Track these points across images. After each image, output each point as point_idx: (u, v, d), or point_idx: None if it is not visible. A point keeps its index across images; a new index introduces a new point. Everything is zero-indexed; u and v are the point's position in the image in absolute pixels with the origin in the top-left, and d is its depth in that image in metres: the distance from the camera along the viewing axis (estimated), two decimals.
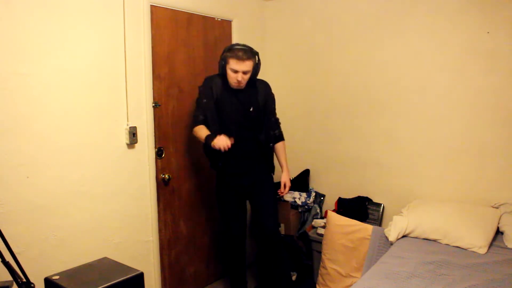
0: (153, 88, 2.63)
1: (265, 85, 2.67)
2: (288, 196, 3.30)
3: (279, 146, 2.74)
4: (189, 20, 2.87)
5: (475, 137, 2.64)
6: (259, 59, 2.51)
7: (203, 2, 2.94)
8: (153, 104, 2.64)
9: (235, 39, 3.21)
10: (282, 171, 2.74)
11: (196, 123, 2.56)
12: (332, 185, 3.33)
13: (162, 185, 2.75)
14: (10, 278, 1.52)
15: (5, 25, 1.94)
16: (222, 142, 2.34)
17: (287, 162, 2.76)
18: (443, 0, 2.68)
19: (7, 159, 1.98)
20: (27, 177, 2.06)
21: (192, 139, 2.90)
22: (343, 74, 3.20)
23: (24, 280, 1.55)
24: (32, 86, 2.06)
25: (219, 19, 3.10)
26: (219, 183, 2.72)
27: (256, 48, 3.19)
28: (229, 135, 2.43)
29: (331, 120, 3.29)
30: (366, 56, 3.05)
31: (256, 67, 2.50)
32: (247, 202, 2.80)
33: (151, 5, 2.58)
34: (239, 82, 2.44)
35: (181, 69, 2.83)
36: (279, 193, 2.73)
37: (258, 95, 2.59)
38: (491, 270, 1.98)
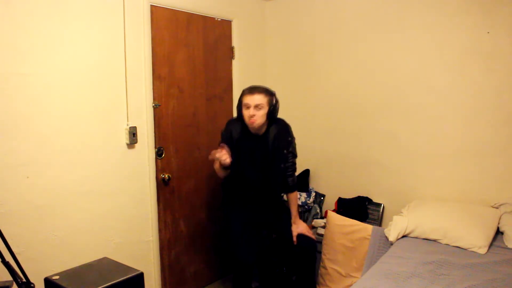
0: (153, 88, 2.64)
1: (279, 127, 2.54)
2: None
3: (291, 197, 2.65)
4: (189, 20, 2.87)
5: (475, 137, 2.64)
6: (276, 100, 2.47)
7: (203, 2, 2.94)
8: (153, 104, 2.64)
9: (235, 39, 3.21)
10: (292, 222, 2.61)
11: None
12: (332, 185, 3.33)
13: (162, 185, 2.75)
14: (10, 278, 1.52)
15: (5, 25, 1.95)
16: (219, 153, 2.33)
17: (298, 214, 2.66)
18: (443, 0, 2.68)
19: (7, 159, 1.99)
20: (27, 177, 2.06)
21: (192, 139, 2.90)
22: (343, 74, 3.20)
23: (24, 280, 1.55)
24: (32, 86, 2.06)
25: (219, 19, 3.10)
26: (228, 201, 2.69)
27: (256, 48, 3.19)
28: (244, 179, 2.52)
29: (331, 120, 3.29)
30: (366, 56, 3.05)
31: (273, 106, 2.44)
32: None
33: (151, 5, 2.58)
34: (251, 117, 2.37)
35: (181, 69, 2.83)
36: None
37: (269, 138, 2.51)
38: (491, 270, 1.97)
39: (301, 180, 3.40)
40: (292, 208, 2.63)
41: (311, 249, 2.54)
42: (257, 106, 2.36)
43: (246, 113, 2.40)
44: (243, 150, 2.51)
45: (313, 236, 2.60)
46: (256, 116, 2.37)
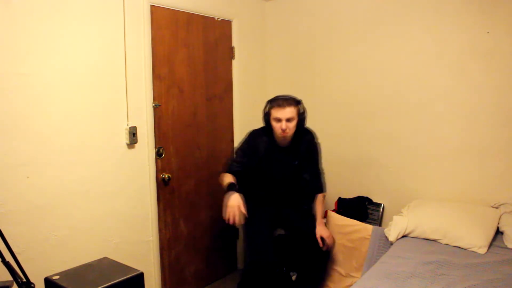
0: (153, 88, 2.64)
1: (309, 136, 2.61)
2: None
3: (317, 199, 2.67)
4: (189, 20, 2.87)
5: (475, 137, 2.64)
6: (304, 108, 2.50)
7: (203, 2, 2.94)
8: (153, 104, 2.64)
9: (235, 39, 3.21)
10: (316, 224, 2.58)
11: (228, 171, 2.54)
12: (332, 185, 3.32)
13: (162, 185, 2.75)
14: (10, 278, 1.52)
15: (5, 25, 1.94)
16: (234, 211, 2.27)
17: (322, 216, 2.63)
18: (443, 0, 2.68)
19: (7, 159, 1.99)
20: (27, 177, 2.06)
21: (192, 139, 2.90)
22: (343, 74, 3.20)
23: (24, 280, 1.55)
24: (32, 86, 2.06)
25: (219, 19, 3.10)
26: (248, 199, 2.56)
27: (256, 48, 3.19)
28: (267, 192, 2.52)
29: (331, 120, 3.29)
30: (366, 56, 3.05)
31: (302, 116, 2.48)
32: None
33: (151, 5, 2.58)
34: (283, 131, 2.40)
35: (181, 69, 2.83)
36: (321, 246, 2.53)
37: (300, 146, 2.56)
38: (491, 270, 1.97)
39: None
40: (318, 209, 2.64)
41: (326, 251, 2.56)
42: (288, 120, 2.39)
43: (277, 126, 2.42)
44: (271, 163, 2.54)
45: (332, 244, 2.55)
46: (288, 129, 2.40)
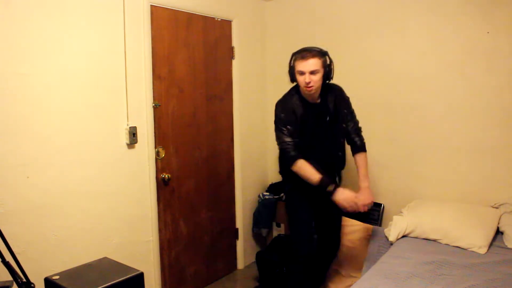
0: (153, 88, 2.64)
1: (335, 90, 2.42)
2: None
3: (358, 158, 2.44)
4: (189, 20, 2.87)
5: (475, 137, 2.64)
6: (330, 60, 2.27)
7: (203, 2, 2.94)
8: (153, 104, 2.64)
9: (235, 39, 3.21)
10: (360, 188, 2.38)
11: (293, 157, 2.26)
12: None
13: (162, 185, 2.75)
14: (10, 278, 1.52)
15: (5, 25, 1.94)
16: (350, 200, 2.18)
17: (369, 178, 2.42)
18: (443, 0, 2.68)
19: (7, 159, 1.99)
20: (27, 177, 2.06)
21: (192, 139, 2.90)
22: (343, 74, 3.18)
23: (24, 280, 1.55)
24: (32, 86, 2.06)
25: (219, 19, 3.10)
26: (294, 187, 2.45)
27: (256, 48, 3.18)
28: (313, 153, 2.28)
29: None
30: (366, 56, 3.05)
31: (328, 68, 2.26)
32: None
33: (151, 5, 2.58)
34: (307, 84, 2.19)
35: (181, 69, 2.83)
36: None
37: (328, 102, 2.36)
38: (491, 270, 1.97)
39: None
40: (361, 170, 2.43)
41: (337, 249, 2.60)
42: (312, 72, 2.18)
43: (301, 79, 2.21)
44: (310, 125, 2.32)
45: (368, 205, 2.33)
46: (312, 82, 2.19)
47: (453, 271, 1.97)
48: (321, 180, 2.19)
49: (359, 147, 2.45)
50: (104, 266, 2.05)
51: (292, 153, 2.27)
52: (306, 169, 2.24)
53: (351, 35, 3.12)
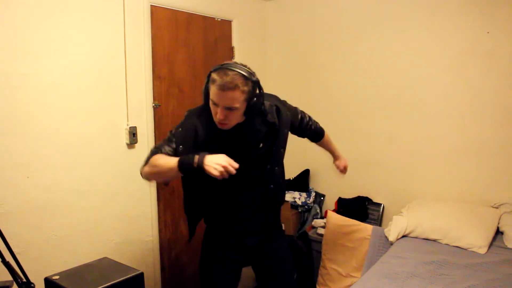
0: (153, 88, 2.64)
1: (278, 108, 1.78)
2: (288, 196, 3.30)
3: (323, 140, 2.22)
4: (189, 20, 2.87)
5: (475, 137, 2.64)
6: (259, 86, 1.60)
7: (203, 2, 2.94)
8: (153, 104, 2.64)
9: (235, 39, 3.21)
10: (334, 158, 2.30)
11: (155, 154, 1.66)
12: (332, 185, 3.33)
13: (162, 185, 2.74)
14: (10, 278, 1.52)
15: (5, 25, 1.94)
16: (221, 160, 1.47)
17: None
18: (443, 0, 2.68)
19: (7, 159, 1.99)
20: (27, 177, 2.06)
21: None
22: (343, 74, 3.20)
23: (24, 280, 1.54)
24: (32, 86, 2.06)
25: (219, 19, 3.10)
26: (208, 240, 1.94)
27: (256, 48, 3.16)
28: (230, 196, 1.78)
29: (331, 120, 3.28)
30: (366, 56, 3.05)
31: (253, 101, 1.59)
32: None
33: (151, 5, 2.58)
34: (220, 122, 1.59)
35: (181, 69, 2.83)
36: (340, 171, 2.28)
37: (256, 122, 1.72)
38: (491, 270, 1.97)
39: (301, 180, 3.40)
40: (330, 147, 2.26)
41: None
42: (229, 109, 1.55)
43: (213, 110, 1.59)
44: (216, 150, 1.58)
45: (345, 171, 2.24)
46: (227, 120, 1.58)
47: (453, 271, 1.98)
48: (180, 160, 1.54)
49: (319, 132, 2.16)
50: (104, 266, 2.05)
51: (163, 149, 1.66)
52: (160, 160, 1.62)
53: (351, 35, 3.12)
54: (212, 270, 1.89)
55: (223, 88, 1.50)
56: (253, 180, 1.80)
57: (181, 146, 1.66)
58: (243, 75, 1.52)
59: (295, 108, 1.99)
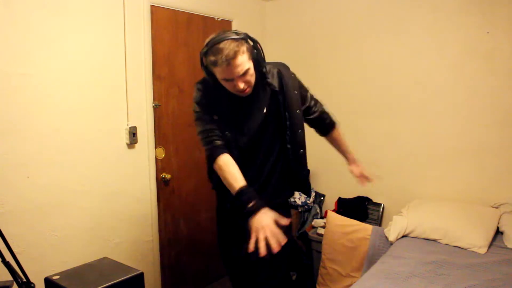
0: (153, 88, 2.64)
1: (280, 71, 1.82)
2: None
3: (335, 134, 1.99)
4: (189, 20, 2.87)
5: (474, 137, 2.64)
6: (253, 39, 1.67)
7: (203, 2, 2.94)
8: (153, 104, 2.64)
9: None
10: (348, 162, 2.10)
11: (215, 150, 1.67)
12: (332, 185, 3.33)
13: (162, 185, 2.75)
14: (10, 278, 1.52)
15: (5, 25, 1.94)
16: (270, 231, 1.41)
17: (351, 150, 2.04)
18: (443, 0, 2.68)
19: (7, 159, 1.99)
20: (27, 177, 2.06)
21: (192, 139, 2.89)
22: (343, 74, 3.20)
23: (24, 280, 1.55)
24: (32, 86, 2.06)
25: (219, 19, 3.10)
26: (222, 219, 1.98)
27: None
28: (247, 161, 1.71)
29: None
30: (365, 56, 3.05)
31: (257, 54, 1.65)
32: None
33: (151, 5, 2.58)
34: (243, 90, 1.62)
35: (181, 69, 2.83)
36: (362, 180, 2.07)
37: (266, 89, 1.76)
38: (491, 270, 1.97)
39: None
40: (342, 146, 2.04)
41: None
42: (244, 74, 1.58)
43: (230, 86, 1.63)
44: (231, 119, 1.71)
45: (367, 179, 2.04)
46: (246, 84, 1.61)
47: (453, 271, 1.98)
48: (241, 190, 1.53)
49: (330, 124, 1.97)
50: (104, 266, 2.05)
51: (217, 142, 1.67)
52: (228, 170, 1.61)
53: (351, 35, 3.12)
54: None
55: (227, 62, 1.53)
56: (272, 147, 1.78)
57: (215, 116, 1.71)
58: (233, 38, 1.58)
59: (303, 84, 1.92)
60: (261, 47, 1.68)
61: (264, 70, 1.71)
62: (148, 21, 2.56)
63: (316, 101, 1.96)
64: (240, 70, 1.56)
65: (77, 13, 2.21)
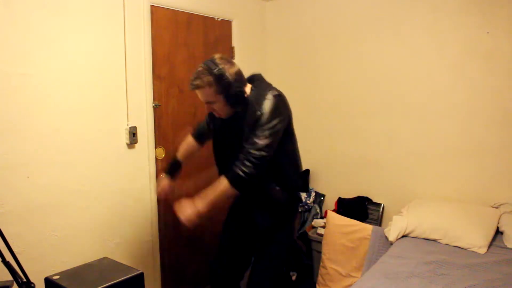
0: (153, 88, 2.64)
1: (254, 101, 1.78)
2: None
3: (220, 181, 1.90)
4: (189, 20, 2.87)
5: (474, 137, 2.64)
6: (220, 72, 1.68)
7: (203, 2, 2.94)
8: (153, 104, 2.64)
9: (235, 39, 3.21)
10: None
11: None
12: (332, 185, 3.33)
13: None
14: (10, 278, 1.52)
15: (5, 25, 1.95)
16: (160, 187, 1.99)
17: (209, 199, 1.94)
18: (443, 0, 2.68)
19: (7, 159, 1.99)
20: (27, 177, 2.06)
21: None
22: (343, 74, 3.20)
23: (25, 280, 1.55)
24: (32, 86, 2.06)
25: (219, 19, 3.10)
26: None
27: (256, 48, 3.15)
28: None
29: (331, 120, 3.29)
30: (366, 56, 3.05)
31: (224, 87, 1.69)
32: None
33: (151, 5, 2.58)
34: (216, 113, 1.84)
35: (181, 69, 2.83)
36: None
37: (239, 115, 1.81)
38: (491, 270, 1.97)
39: None
40: (209, 192, 1.93)
41: None
42: (209, 102, 1.77)
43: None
44: (217, 134, 1.99)
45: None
46: (215, 111, 1.81)
47: (453, 271, 1.97)
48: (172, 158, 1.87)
49: (228, 172, 1.83)
50: (104, 266, 2.05)
51: (193, 131, 2.21)
52: (181, 145, 2.07)
53: (351, 35, 3.12)
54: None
55: (194, 88, 1.75)
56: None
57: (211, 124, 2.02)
58: (206, 72, 1.70)
59: (272, 111, 1.76)
60: (228, 79, 1.71)
61: (247, 96, 1.80)
62: (148, 21, 2.56)
63: (254, 147, 1.72)
64: (203, 100, 1.77)
65: (77, 13, 2.21)
